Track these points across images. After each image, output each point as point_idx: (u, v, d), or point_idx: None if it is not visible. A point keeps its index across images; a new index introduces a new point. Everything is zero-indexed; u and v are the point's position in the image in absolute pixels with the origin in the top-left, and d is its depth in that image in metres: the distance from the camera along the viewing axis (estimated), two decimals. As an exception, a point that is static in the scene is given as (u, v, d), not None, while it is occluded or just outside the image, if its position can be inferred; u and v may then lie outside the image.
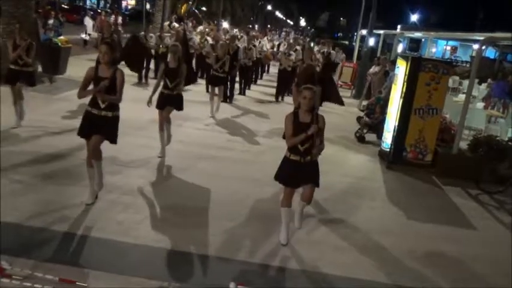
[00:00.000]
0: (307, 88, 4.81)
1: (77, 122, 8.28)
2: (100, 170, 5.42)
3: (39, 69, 12.24)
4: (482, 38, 8.97)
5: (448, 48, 37.36)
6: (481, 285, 4.87)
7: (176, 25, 19.92)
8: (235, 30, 21.74)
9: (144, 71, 14.11)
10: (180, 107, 7.40)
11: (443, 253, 5.49)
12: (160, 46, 14.11)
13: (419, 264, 5.14)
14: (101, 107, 5.11)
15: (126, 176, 6.34)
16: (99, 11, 35.77)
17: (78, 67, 13.90)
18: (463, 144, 8.95)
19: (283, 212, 5.11)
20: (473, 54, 30.02)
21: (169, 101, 7.23)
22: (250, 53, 14.48)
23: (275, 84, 14.96)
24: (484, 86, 15.81)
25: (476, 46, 31.33)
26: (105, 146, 5.37)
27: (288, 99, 13.91)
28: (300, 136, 4.69)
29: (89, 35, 20.99)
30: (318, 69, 9.14)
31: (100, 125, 5.15)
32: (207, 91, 13.84)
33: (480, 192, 7.84)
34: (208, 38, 15.49)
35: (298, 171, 4.85)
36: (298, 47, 15.43)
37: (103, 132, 5.21)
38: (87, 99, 5.25)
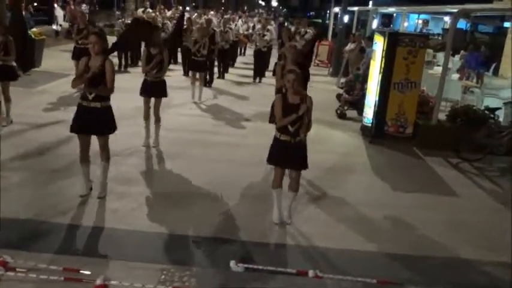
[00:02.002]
0: (290, 71, 4.97)
1: (58, 114, 8.39)
2: (106, 172, 5.47)
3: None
4: (455, 11, 9.15)
5: (420, 21, 37.71)
6: (467, 250, 5.08)
7: (150, 11, 19.65)
8: (211, 13, 21.44)
9: (123, 59, 14.10)
10: (164, 94, 7.38)
11: (431, 221, 5.70)
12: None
13: (408, 233, 5.35)
14: (89, 99, 5.10)
15: (117, 165, 6.36)
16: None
17: (53, 59, 13.80)
18: (442, 116, 9.18)
19: (274, 193, 5.25)
20: (445, 26, 30.46)
21: (154, 88, 7.19)
22: (227, 36, 14.47)
23: (252, 66, 14.99)
24: (457, 57, 16.08)
25: (447, 18, 31.75)
26: (94, 138, 5.36)
27: (266, 79, 13.97)
28: (291, 117, 4.80)
29: (60, 25, 20.56)
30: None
31: (91, 118, 5.12)
32: (184, 74, 13.82)
33: (460, 160, 8.09)
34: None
35: (289, 151, 4.98)
36: (270, 27, 15.47)
37: (96, 129, 5.19)
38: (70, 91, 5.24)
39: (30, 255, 4.10)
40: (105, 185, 5.51)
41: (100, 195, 5.43)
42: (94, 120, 5.13)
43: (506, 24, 28.02)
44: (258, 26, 16.00)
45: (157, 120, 7.37)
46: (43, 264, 3.96)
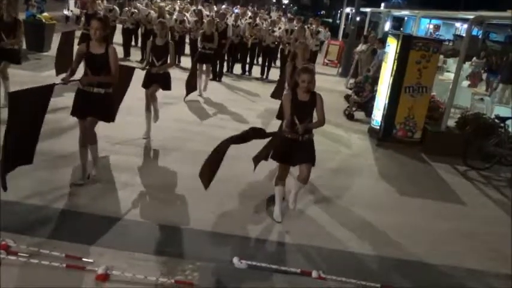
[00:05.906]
0: (306, 71, 4.81)
1: (66, 100, 8.25)
2: (95, 154, 5.44)
3: (24, 46, 12.00)
4: (471, 17, 9.05)
5: (431, 26, 37.49)
6: (473, 260, 5.01)
7: (159, 0, 19.53)
8: (223, 7, 21.23)
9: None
10: (167, 87, 7.21)
11: (437, 228, 5.64)
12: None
13: (411, 239, 5.26)
14: (93, 84, 5.06)
15: (119, 155, 6.33)
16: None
17: (63, 44, 13.69)
18: (451, 122, 9.10)
19: (276, 190, 5.23)
20: (456, 32, 30.25)
21: (156, 80, 7.03)
22: (237, 30, 14.36)
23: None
24: (467, 64, 15.94)
25: (458, 24, 31.53)
26: (98, 125, 5.35)
27: (272, 76, 13.84)
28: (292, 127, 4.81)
29: (71, 11, 20.47)
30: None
31: (93, 103, 5.09)
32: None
33: (468, 168, 8.02)
34: (187, 14, 15.22)
35: (295, 149, 4.92)
36: (282, 24, 15.37)
37: (97, 113, 5.17)
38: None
39: (33, 240, 4.06)
40: (96, 161, 5.51)
41: (93, 171, 5.45)
42: (98, 105, 5.10)
43: (518, 34, 27.83)
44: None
45: (154, 100, 7.17)
46: (45, 250, 3.92)
